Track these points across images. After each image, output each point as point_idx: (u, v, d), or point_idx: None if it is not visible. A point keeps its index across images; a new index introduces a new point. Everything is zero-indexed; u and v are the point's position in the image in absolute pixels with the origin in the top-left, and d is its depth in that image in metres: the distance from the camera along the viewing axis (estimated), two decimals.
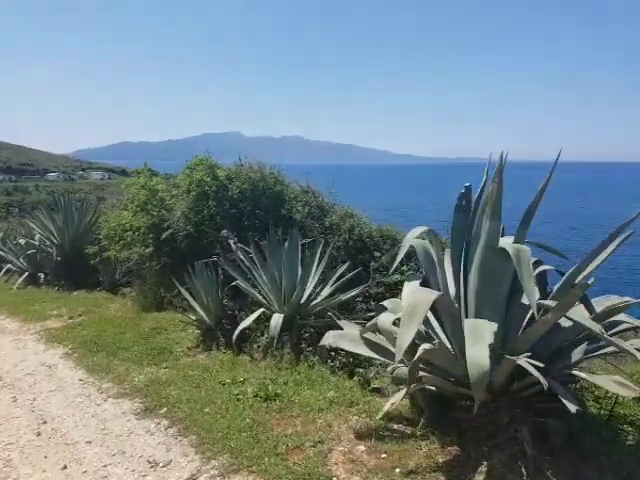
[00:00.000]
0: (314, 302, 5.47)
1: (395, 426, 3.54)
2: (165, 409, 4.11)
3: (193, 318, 6.06)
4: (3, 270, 12.12)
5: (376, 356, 3.37)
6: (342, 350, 4.81)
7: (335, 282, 5.64)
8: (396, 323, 2.93)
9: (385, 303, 3.55)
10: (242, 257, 5.72)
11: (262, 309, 5.37)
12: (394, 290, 6.94)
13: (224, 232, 6.03)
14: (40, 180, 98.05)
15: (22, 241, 11.86)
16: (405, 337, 2.51)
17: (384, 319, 3.04)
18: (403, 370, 2.99)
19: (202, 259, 8.13)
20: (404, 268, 7.17)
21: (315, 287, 5.65)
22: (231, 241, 5.87)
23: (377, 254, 7.23)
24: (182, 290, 6.24)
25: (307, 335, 5.21)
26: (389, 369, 3.10)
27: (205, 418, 3.86)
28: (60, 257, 11.25)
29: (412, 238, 3.13)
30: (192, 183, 7.98)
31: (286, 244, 5.61)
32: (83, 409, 4.29)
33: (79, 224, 11.33)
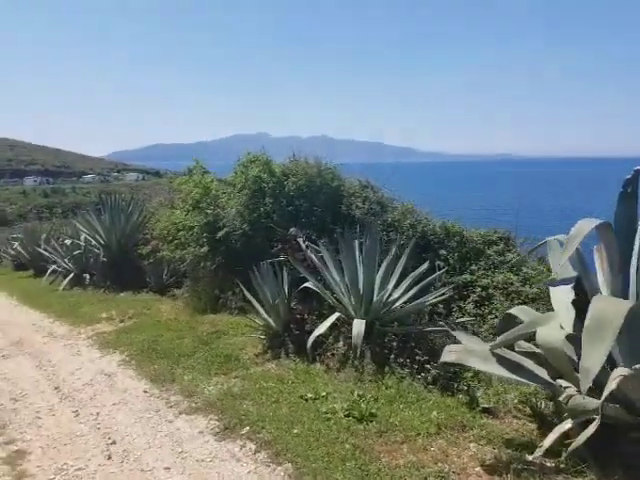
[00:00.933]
0: (396, 306, 4.89)
1: (529, 457, 2.95)
2: (247, 428, 3.62)
3: (260, 323, 5.57)
4: (49, 271, 11.95)
5: (519, 379, 2.79)
6: (432, 361, 4.26)
7: (417, 283, 5.05)
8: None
9: (515, 311, 2.97)
10: (312, 256, 5.20)
11: (337, 314, 4.82)
12: (463, 291, 6.35)
13: (292, 230, 5.55)
14: (76, 182, 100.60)
15: (68, 241, 11.67)
16: (594, 359, 1.96)
17: (547, 335, 2.46)
18: (578, 399, 2.38)
19: (258, 259, 7.68)
20: (473, 267, 6.56)
21: (393, 289, 5.07)
22: (300, 239, 5.36)
23: (443, 252, 6.64)
24: (246, 292, 5.76)
25: (391, 343, 4.64)
26: (562, 398, 2.51)
27: (296, 441, 3.36)
28: (106, 258, 11.00)
29: (582, 233, 2.54)
30: (247, 180, 7.53)
31: (367, 242, 5.02)
32: (154, 427, 3.84)
33: (126, 224, 11.04)
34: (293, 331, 5.22)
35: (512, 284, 6.25)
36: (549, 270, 6.56)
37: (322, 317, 5.07)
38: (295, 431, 3.48)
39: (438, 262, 6.33)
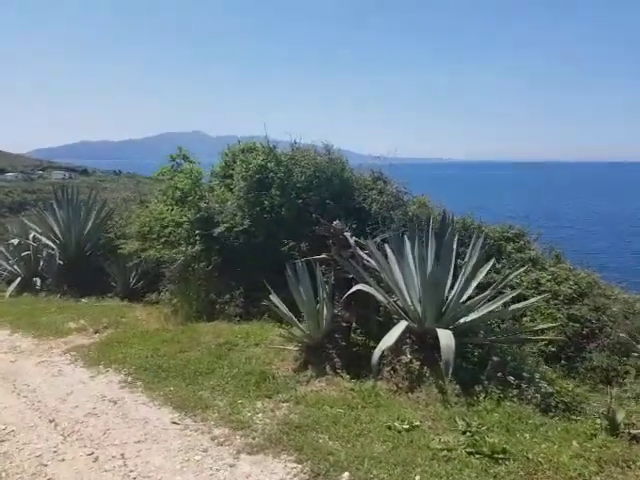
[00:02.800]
0: (475, 314, 4.20)
1: None
2: (347, 475, 2.85)
3: (297, 334, 4.76)
4: None
5: None
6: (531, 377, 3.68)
7: (495, 286, 4.36)
8: None
9: None
10: (363, 254, 4.49)
11: (404, 322, 4.08)
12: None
13: (337, 223, 4.80)
14: None
15: (14, 241, 10.16)
16: None
17: None
18: None
19: (261, 257, 6.89)
20: (497, 266, 6.15)
21: (462, 292, 4.38)
22: (347, 234, 4.64)
23: (463, 249, 6.19)
24: (274, 298, 4.91)
25: (474, 357, 4.01)
26: None
27: None
28: (63, 259, 9.65)
29: None
30: (248, 170, 6.68)
31: (442, 240, 4.32)
32: (213, 474, 2.98)
33: (85, 222, 9.75)
34: (338, 342, 4.48)
35: (542, 283, 5.89)
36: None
37: (378, 326, 4.36)
38: (417, 478, 2.76)
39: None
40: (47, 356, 5.79)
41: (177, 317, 7.15)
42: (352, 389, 3.99)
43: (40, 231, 10.00)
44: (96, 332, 6.86)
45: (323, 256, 4.84)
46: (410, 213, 6.49)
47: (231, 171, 7.78)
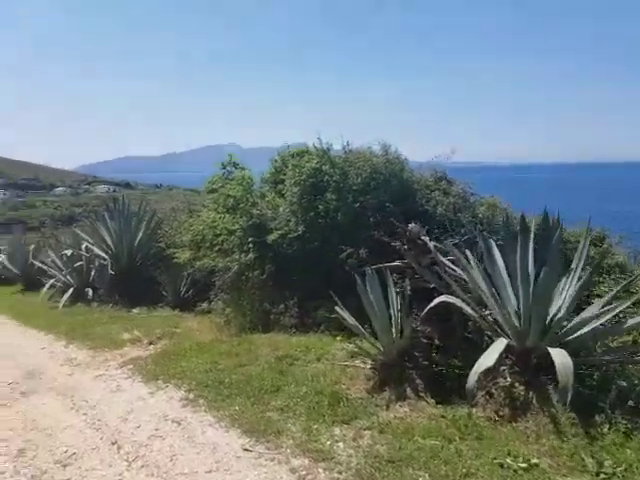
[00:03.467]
0: (587, 328, 3.63)
1: None
2: None
3: (372, 351, 4.34)
4: (47, 286, 10.44)
5: None
6: None
7: (613, 296, 3.77)
8: None
9: None
10: (447, 262, 4.05)
11: (504, 340, 3.55)
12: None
13: (413, 226, 4.40)
14: (47, 195, 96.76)
15: (68, 252, 10.22)
16: None
17: None
18: None
19: (316, 265, 6.55)
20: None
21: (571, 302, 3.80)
22: (426, 238, 4.23)
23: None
24: (341, 311, 4.53)
25: (591, 380, 3.47)
26: None
27: None
28: (115, 270, 9.61)
29: None
30: (301, 174, 6.36)
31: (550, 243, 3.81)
32: None
33: (136, 232, 9.68)
34: (418, 360, 4.05)
35: None
36: None
37: (466, 343, 3.90)
38: None
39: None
40: (104, 369, 5.63)
41: (230, 328, 6.89)
42: (442, 416, 3.54)
43: (92, 242, 10.02)
44: (150, 343, 6.69)
45: (396, 263, 4.42)
46: (480, 215, 6.01)
47: (282, 176, 7.50)
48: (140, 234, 9.68)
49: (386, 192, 6.15)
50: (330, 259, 6.32)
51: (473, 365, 3.38)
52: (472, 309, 3.75)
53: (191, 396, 4.47)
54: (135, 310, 8.98)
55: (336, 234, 6.24)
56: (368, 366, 4.42)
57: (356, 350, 4.47)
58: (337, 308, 4.55)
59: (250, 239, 6.62)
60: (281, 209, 6.65)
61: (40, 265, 11.57)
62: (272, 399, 4.19)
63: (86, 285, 10.14)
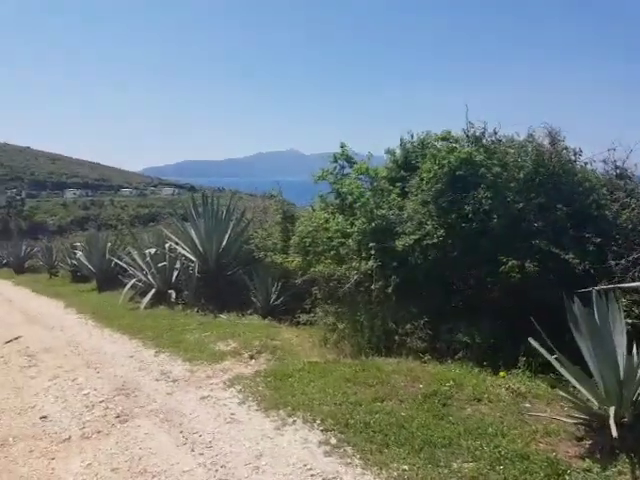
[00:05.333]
0: None
1: None
2: None
3: (592, 406, 3.16)
4: (128, 286, 9.88)
5: None
6: None
7: None
8: None
9: None
10: None
11: None
12: None
13: None
14: (115, 195, 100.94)
15: (152, 250, 9.61)
16: None
17: None
18: None
19: (454, 278, 5.48)
20: None
21: None
22: None
23: None
24: (536, 344, 3.39)
25: None
26: None
27: None
28: (200, 272, 8.88)
29: None
30: (442, 167, 5.29)
31: None
32: None
33: (224, 233, 8.91)
34: None
35: None
36: None
37: None
38: None
39: None
40: (208, 389, 4.75)
41: (342, 346, 5.90)
42: None
43: (177, 241, 9.37)
44: (251, 357, 5.81)
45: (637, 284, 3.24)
46: None
47: (402, 172, 6.48)
48: (228, 234, 8.91)
49: (554, 191, 4.98)
50: (476, 272, 5.22)
51: None
52: None
53: (333, 440, 3.46)
54: (223, 316, 8.18)
55: (486, 242, 5.12)
56: (572, 420, 3.24)
57: (567, 396, 3.29)
58: (530, 340, 3.42)
59: (371, 244, 5.62)
60: (409, 209, 5.61)
61: (120, 263, 11.11)
62: (449, 458, 3.10)
63: (169, 287, 9.51)
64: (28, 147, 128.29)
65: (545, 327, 4.49)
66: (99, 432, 3.83)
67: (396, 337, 5.52)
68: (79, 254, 13.36)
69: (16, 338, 7.34)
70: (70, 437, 3.75)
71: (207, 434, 3.71)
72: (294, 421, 3.83)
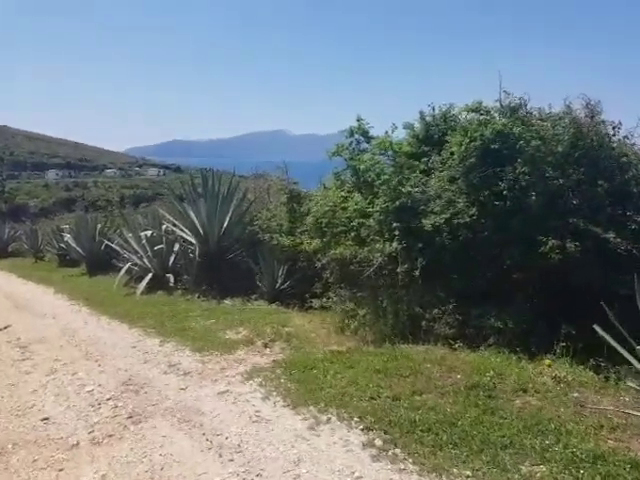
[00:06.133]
0: None
1: None
2: None
3: None
4: (123, 270, 9.37)
5: None
6: None
7: None
8: None
9: None
10: None
11: None
12: None
13: None
14: (98, 176, 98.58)
15: (148, 233, 9.10)
16: None
17: None
18: None
19: (487, 260, 5.11)
20: None
21: None
22: None
23: None
24: (601, 330, 3.05)
25: None
26: None
27: None
28: (201, 255, 8.42)
29: None
30: (474, 140, 4.88)
31: None
32: None
33: (226, 214, 8.42)
34: None
35: None
36: None
37: None
38: None
39: None
40: (225, 382, 4.35)
41: (361, 333, 5.54)
42: None
43: (176, 223, 8.87)
44: (266, 346, 5.43)
45: None
46: None
47: (424, 147, 6.06)
48: (230, 215, 8.43)
49: (593, 165, 4.61)
50: (507, 253, 4.86)
51: None
52: None
53: (378, 442, 3.09)
54: (227, 301, 7.76)
55: (518, 221, 4.76)
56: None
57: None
58: (595, 327, 3.06)
59: (395, 224, 5.22)
60: (435, 187, 5.21)
61: (113, 246, 10.58)
62: (516, 460, 2.76)
63: (166, 271, 9.04)
64: (5, 125, 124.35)
65: (585, 310, 4.18)
66: (111, 436, 3.41)
67: (423, 323, 5.16)
68: (67, 237, 12.77)
69: (5, 327, 6.84)
70: (78, 443, 3.32)
71: (233, 436, 3.32)
72: (328, 419, 3.46)
